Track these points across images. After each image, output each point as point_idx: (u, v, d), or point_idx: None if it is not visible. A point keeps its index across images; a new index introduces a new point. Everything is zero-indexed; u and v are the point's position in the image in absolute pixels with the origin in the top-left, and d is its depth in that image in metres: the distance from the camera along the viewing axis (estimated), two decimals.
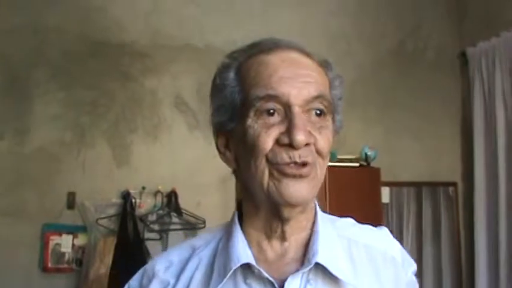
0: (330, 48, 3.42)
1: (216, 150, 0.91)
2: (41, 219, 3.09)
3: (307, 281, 0.83)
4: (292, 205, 0.82)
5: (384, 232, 0.97)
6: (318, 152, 0.83)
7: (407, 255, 0.96)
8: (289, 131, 0.79)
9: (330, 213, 0.95)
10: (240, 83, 0.85)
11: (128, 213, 3.12)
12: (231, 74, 0.86)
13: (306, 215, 0.87)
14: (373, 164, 3.34)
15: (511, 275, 3.38)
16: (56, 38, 3.24)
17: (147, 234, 3.15)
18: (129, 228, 3.09)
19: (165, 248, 3.14)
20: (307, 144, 0.80)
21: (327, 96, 0.84)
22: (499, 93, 3.55)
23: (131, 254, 2.97)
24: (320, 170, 0.84)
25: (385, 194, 3.60)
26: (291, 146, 0.79)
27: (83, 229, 3.14)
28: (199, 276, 0.87)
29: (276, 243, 0.87)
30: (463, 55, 3.90)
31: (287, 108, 0.81)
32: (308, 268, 0.82)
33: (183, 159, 3.34)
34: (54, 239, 3.10)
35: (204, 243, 0.91)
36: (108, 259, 2.97)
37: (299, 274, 0.83)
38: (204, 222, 3.21)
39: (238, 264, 0.82)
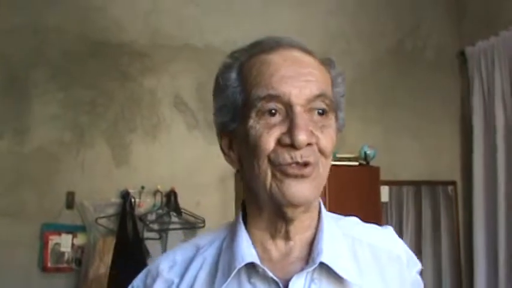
0: (329, 48, 3.43)
1: (220, 151, 0.90)
2: (40, 219, 3.08)
3: (312, 280, 0.82)
4: (294, 205, 0.82)
5: (388, 231, 0.96)
6: (321, 152, 0.82)
7: (412, 255, 0.96)
8: (290, 131, 0.79)
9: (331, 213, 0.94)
10: (242, 83, 0.84)
11: (127, 212, 3.11)
12: (233, 74, 0.85)
13: (310, 214, 0.87)
14: (372, 163, 3.34)
15: (510, 274, 3.38)
16: (55, 38, 3.23)
17: (146, 234, 3.15)
18: (129, 228, 3.08)
19: (164, 247, 3.14)
20: (309, 144, 0.80)
21: (329, 94, 0.84)
22: (498, 92, 3.55)
23: (130, 254, 2.96)
24: (323, 169, 0.83)
25: (385, 193, 3.61)
26: (293, 146, 0.78)
27: (82, 229, 3.13)
28: (203, 276, 0.87)
29: (280, 243, 0.86)
30: (462, 54, 3.89)
31: (288, 108, 0.80)
32: (312, 268, 0.82)
33: (183, 159, 3.34)
34: (54, 239, 3.09)
35: (208, 243, 0.91)
36: (108, 259, 2.97)
37: (303, 273, 0.82)
38: (203, 221, 3.20)
39: (243, 264, 0.82)
